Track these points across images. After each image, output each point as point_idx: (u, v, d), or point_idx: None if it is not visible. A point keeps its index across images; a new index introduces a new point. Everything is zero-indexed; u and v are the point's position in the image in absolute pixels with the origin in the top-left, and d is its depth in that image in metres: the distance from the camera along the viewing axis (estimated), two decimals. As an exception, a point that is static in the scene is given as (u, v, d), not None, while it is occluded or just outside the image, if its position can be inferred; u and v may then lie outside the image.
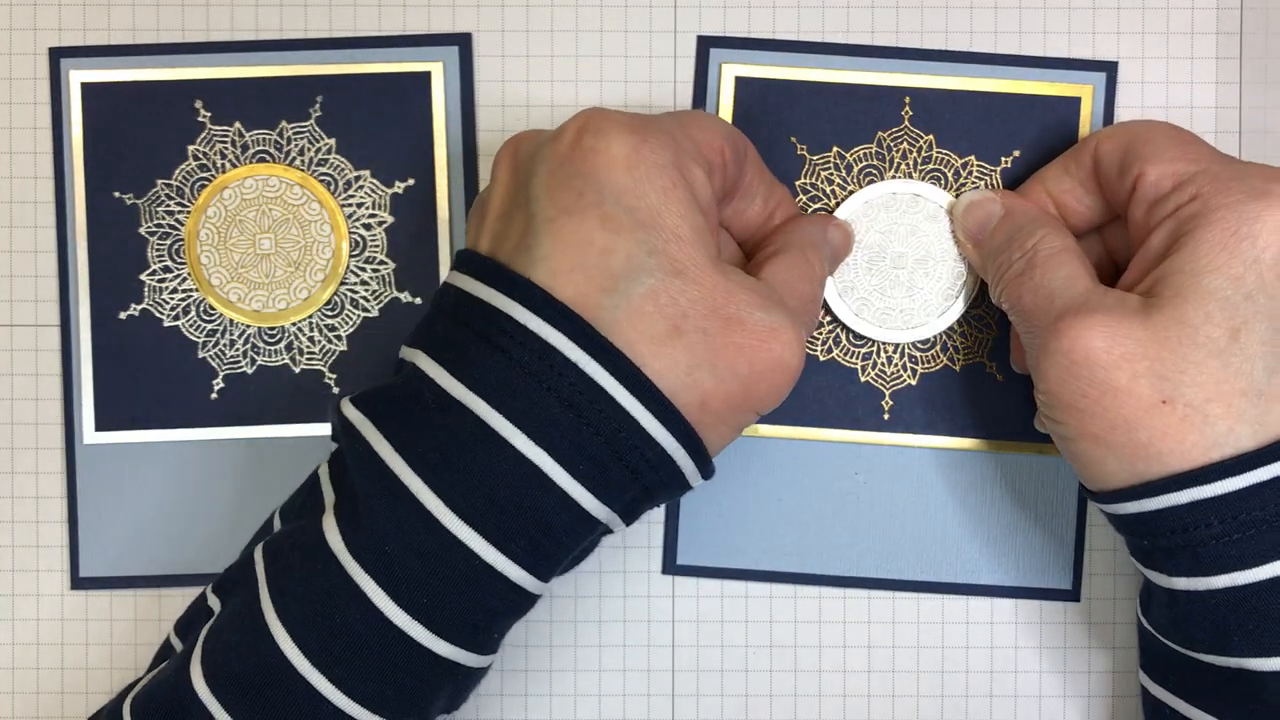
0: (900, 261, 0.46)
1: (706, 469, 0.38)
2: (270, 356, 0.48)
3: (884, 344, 0.47)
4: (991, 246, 0.43)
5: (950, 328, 0.47)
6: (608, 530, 0.38)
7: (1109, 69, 0.47)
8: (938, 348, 0.47)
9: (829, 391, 0.47)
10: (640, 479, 0.36)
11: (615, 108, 0.47)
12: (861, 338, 0.47)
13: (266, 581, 0.38)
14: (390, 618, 0.36)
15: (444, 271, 0.47)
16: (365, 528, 0.36)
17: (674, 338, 0.35)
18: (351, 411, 0.37)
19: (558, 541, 0.36)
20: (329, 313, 0.48)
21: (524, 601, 0.38)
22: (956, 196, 0.46)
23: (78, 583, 0.48)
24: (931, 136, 0.47)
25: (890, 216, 0.46)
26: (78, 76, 0.48)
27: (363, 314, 0.48)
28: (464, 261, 0.38)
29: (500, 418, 0.35)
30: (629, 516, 0.38)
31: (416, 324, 0.39)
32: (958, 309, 0.46)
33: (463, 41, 0.47)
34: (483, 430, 0.35)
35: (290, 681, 0.36)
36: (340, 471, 0.38)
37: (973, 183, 0.47)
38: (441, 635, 0.36)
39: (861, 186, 0.47)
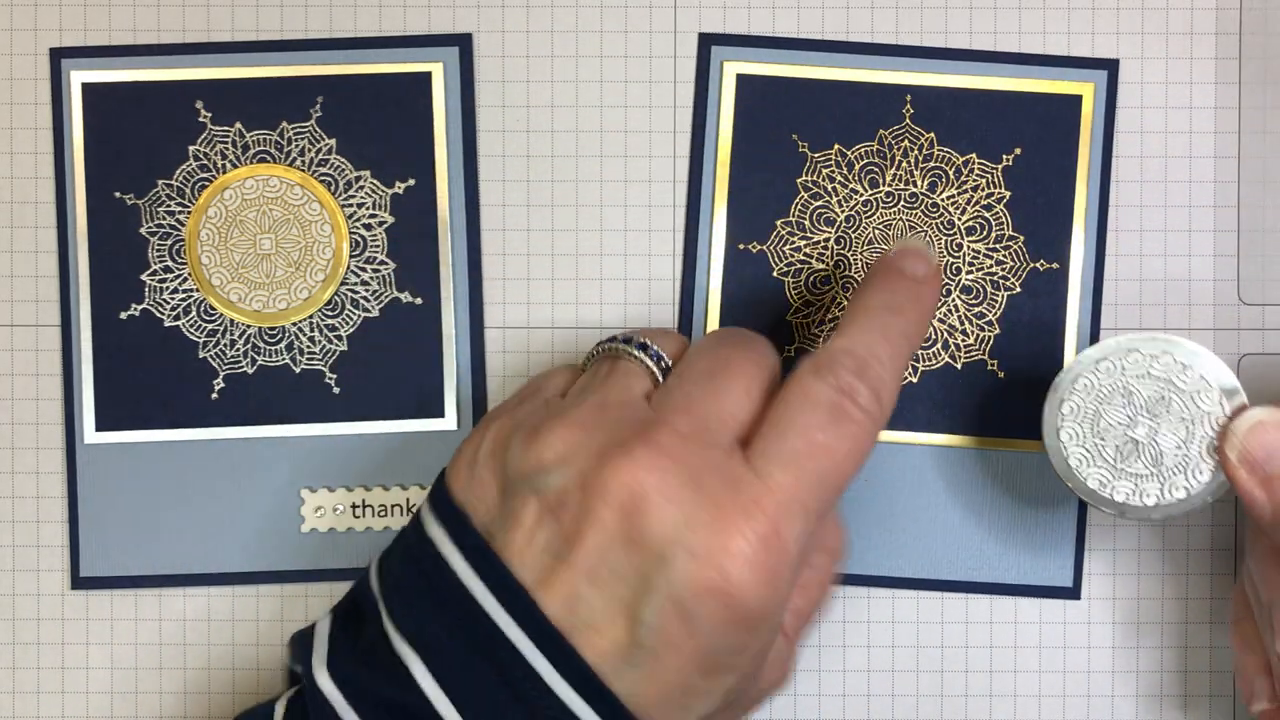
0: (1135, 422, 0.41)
1: None
2: (270, 356, 0.48)
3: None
4: None
5: (951, 326, 0.47)
6: None
7: (1110, 67, 0.47)
8: (938, 345, 0.47)
9: (830, 390, 0.47)
10: None
11: (615, 108, 0.47)
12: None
13: None
14: None
15: (445, 271, 0.47)
16: None
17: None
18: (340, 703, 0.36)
19: None
20: (329, 313, 0.48)
21: None
22: (1233, 412, 0.39)
23: (78, 583, 0.48)
24: (932, 134, 0.47)
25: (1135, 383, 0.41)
26: (78, 77, 0.48)
27: (363, 314, 0.48)
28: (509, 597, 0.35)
29: None
30: None
31: (398, 589, 0.37)
32: (1208, 493, 0.40)
33: (463, 42, 0.47)
34: None
35: None
36: None
37: (973, 181, 0.47)
38: None
39: (864, 185, 0.47)
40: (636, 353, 0.39)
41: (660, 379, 0.38)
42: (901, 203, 0.47)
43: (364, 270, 0.48)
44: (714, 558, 0.33)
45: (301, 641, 0.38)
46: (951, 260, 0.47)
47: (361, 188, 0.48)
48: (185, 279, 0.48)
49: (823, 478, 0.35)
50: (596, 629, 0.34)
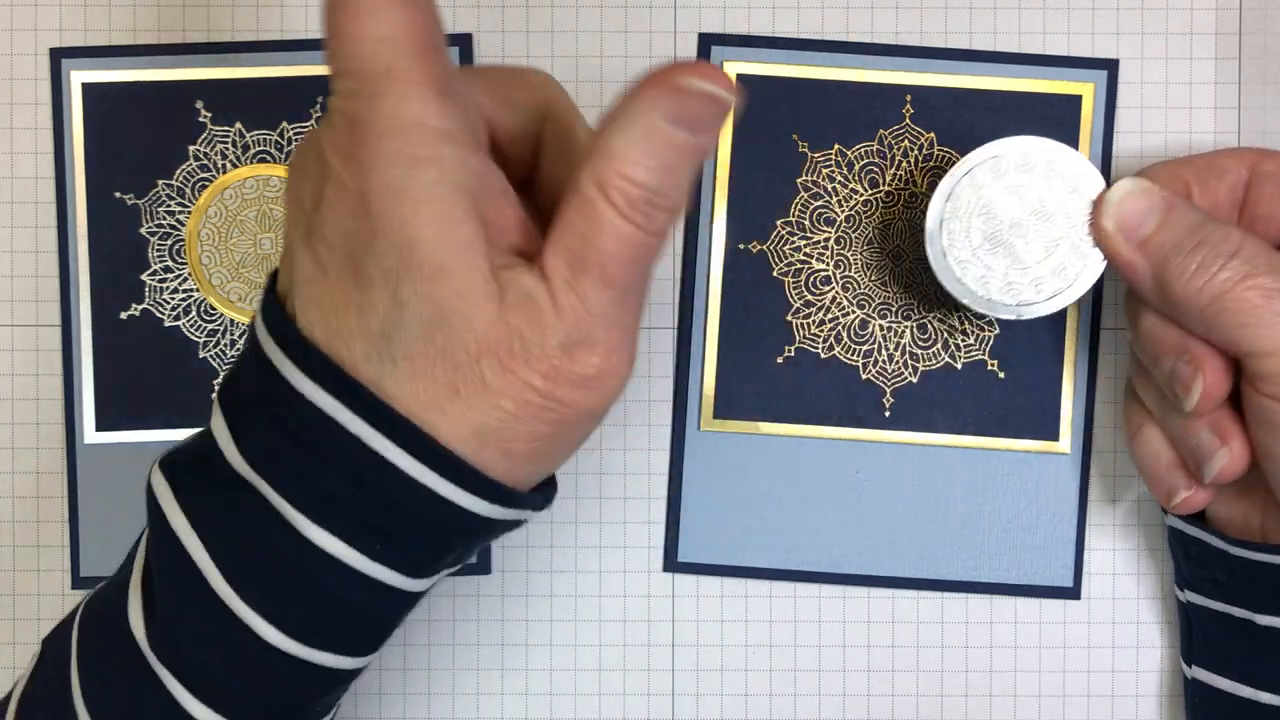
0: (1019, 231, 0.42)
1: (540, 503, 0.34)
2: (270, 356, 0.48)
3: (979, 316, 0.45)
4: (1165, 243, 0.39)
5: (951, 326, 0.47)
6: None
7: (1110, 67, 0.47)
8: (938, 345, 0.47)
9: (830, 388, 0.47)
10: (453, 546, 0.33)
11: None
12: (865, 332, 0.47)
13: (77, 655, 0.35)
14: (190, 711, 0.33)
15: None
16: (160, 614, 0.33)
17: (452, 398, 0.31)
18: (155, 475, 0.34)
19: (364, 620, 0.34)
20: (329, 313, 0.48)
21: (338, 680, 0.34)
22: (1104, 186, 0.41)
23: (78, 582, 0.48)
24: (933, 134, 0.47)
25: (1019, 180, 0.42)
26: (78, 77, 0.48)
27: (363, 314, 0.48)
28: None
29: (284, 503, 0.31)
30: (458, 561, 0.35)
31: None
32: (1073, 294, 0.42)
33: (463, 42, 0.47)
34: (269, 511, 0.32)
35: None
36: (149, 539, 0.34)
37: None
38: None
39: (864, 185, 0.47)
40: None
41: None
42: (901, 203, 0.47)
43: (364, 270, 0.48)
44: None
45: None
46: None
47: (361, 188, 0.47)
48: (185, 279, 0.48)
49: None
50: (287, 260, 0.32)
